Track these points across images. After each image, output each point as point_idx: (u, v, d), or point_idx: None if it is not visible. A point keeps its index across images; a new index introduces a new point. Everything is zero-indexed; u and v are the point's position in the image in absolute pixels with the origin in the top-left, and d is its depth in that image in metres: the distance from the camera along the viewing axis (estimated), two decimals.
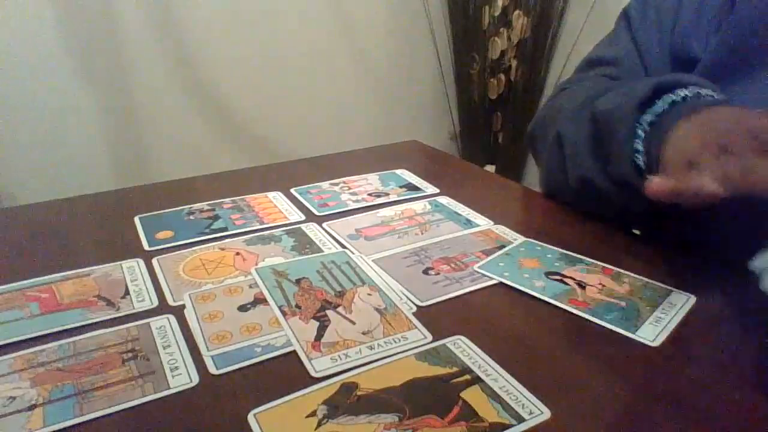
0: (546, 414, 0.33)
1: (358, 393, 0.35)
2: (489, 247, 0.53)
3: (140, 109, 1.58)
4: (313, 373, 0.37)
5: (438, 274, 0.49)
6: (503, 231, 0.56)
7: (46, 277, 0.49)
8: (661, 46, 0.60)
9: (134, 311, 0.44)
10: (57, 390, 0.36)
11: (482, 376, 0.36)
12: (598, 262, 0.50)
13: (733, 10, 0.52)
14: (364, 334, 0.41)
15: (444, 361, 0.38)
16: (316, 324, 0.42)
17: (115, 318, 0.43)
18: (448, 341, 0.40)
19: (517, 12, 1.71)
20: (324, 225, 0.58)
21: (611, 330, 0.41)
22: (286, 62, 1.73)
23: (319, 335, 0.40)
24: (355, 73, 1.87)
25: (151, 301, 0.45)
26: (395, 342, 0.40)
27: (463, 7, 1.79)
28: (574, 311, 0.43)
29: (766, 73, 0.50)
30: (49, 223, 0.60)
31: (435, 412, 0.33)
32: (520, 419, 0.33)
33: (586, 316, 0.42)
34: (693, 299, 0.45)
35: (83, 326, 0.42)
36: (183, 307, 0.44)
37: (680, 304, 0.44)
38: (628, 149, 0.48)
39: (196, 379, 0.37)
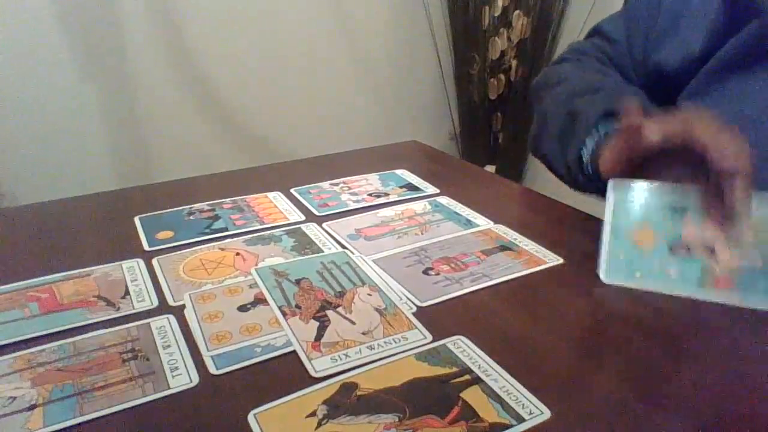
0: (546, 414, 0.33)
1: (358, 393, 0.35)
2: (489, 247, 0.53)
3: (141, 109, 1.58)
4: (313, 373, 0.37)
5: (438, 274, 0.49)
6: (503, 231, 0.56)
7: (46, 277, 0.49)
8: (643, 42, 0.65)
9: (134, 311, 0.44)
10: (57, 390, 0.36)
11: (482, 376, 0.36)
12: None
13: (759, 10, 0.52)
14: (364, 334, 0.41)
15: (444, 361, 0.38)
16: (316, 324, 0.42)
17: (115, 318, 0.43)
18: (448, 341, 0.40)
19: (517, 12, 1.71)
20: (324, 225, 0.58)
21: None
22: (286, 62, 1.73)
23: (319, 335, 0.40)
24: (355, 73, 1.87)
25: (151, 301, 0.45)
26: (395, 342, 0.40)
27: (463, 7, 1.79)
28: (722, 300, 0.39)
29: None
30: (49, 223, 0.60)
31: (435, 412, 0.33)
32: (520, 419, 0.33)
33: (735, 302, 0.39)
34: None
35: (83, 326, 0.42)
36: (183, 307, 0.44)
37: None
38: (579, 144, 0.57)
39: (196, 379, 0.37)
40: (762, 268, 0.40)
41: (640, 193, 0.46)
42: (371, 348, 0.39)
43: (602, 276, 0.45)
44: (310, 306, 0.44)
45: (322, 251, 0.53)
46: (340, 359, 0.38)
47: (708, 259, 0.42)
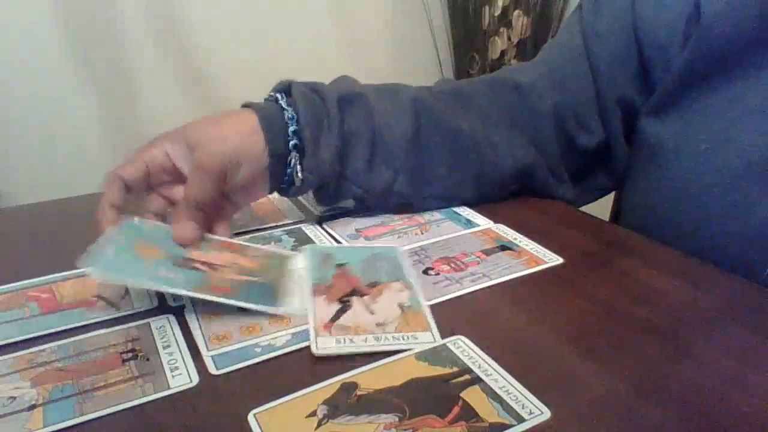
0: (546, 414, 0.33)
1: (358, 393, 0.35)
2: (489, 246, 0.53)
3: (141, 109, 1.58)
4: (314, 350, 0.38)
5: (438, 274, 0.49)
6: (503, 231, 0.56)
7: (46, 277, 0.49)
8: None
9: (134, 311, 0.44)
10: (57, 390, 0.36)
11: (482, 376, 0.36)
12: (220, 238, 0.50)
13: (700, 22, 0.51)
14: (378, 325, 0.41)
15: (444, 361, 0.38)
16: (337, 307, 0.43)
17: (115, 318, 0.43)
18: (448, 341, 0.40)
19: (517, 12, 1.71)
20: (324, 225, 0.58)
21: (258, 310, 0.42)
22: (286, 63, 1.73)
23: (336, 317, 0.42)
24: (356, 73, 1.86)
25: (151, 301, 0.45)
26: (404, 339, 0.40)
27: (462, 7, 1.79)
28: (220, 299, 0.42)
29: (741, 81, 0.50)
30: (49, 223, 0.60)
31: (435, 412, 0.33)
32: (520, 419, 0.33)
33: (230, 302, 0.42)
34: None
35: (83, 326, 0.42)
36: (183, 307, 0.44)
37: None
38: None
39: (196, 379, 0.37)
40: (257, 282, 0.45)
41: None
42: (377, 339, 0.40)
43: (88, 269, 0.42)
44: (340, 289, 0.45)
45: None
46: (344, 342, 0.39)
47: (209, 271, 0.46)
